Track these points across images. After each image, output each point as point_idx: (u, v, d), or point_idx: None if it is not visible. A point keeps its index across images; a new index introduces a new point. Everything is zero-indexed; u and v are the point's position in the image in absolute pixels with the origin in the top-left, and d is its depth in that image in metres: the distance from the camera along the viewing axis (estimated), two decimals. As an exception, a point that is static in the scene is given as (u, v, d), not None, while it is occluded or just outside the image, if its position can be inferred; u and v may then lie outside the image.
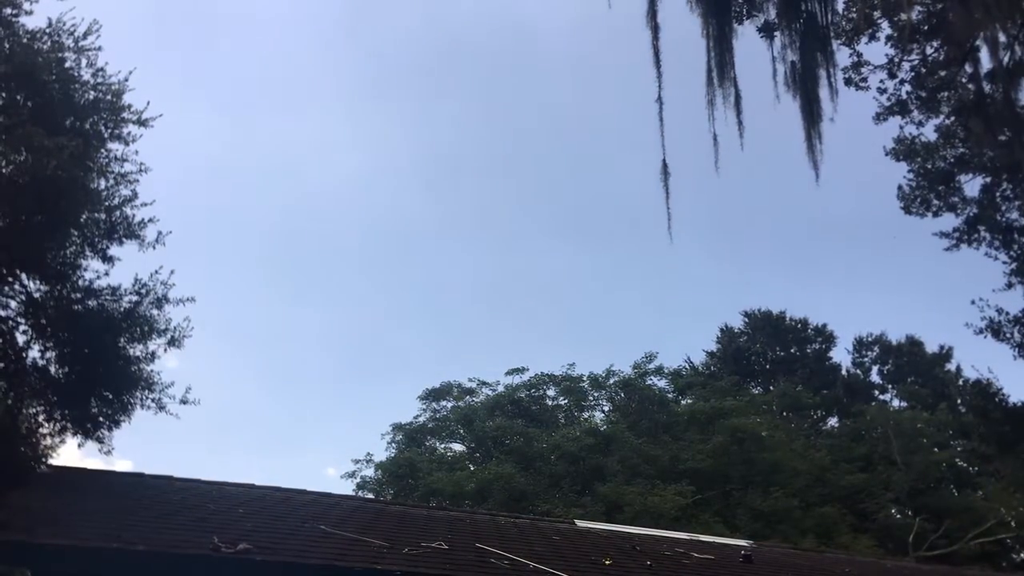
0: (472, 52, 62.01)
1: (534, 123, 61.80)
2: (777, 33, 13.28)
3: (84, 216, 10.49)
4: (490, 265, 60.25)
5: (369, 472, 30.41)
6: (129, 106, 10.88)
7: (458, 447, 32.05)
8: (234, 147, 56.52)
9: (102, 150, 10.70)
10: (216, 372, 44.57)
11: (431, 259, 61.99)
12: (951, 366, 41.88)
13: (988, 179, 19.31)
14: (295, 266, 59.10)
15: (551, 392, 32.40)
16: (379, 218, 61.68)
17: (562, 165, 61.58)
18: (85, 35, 10.59)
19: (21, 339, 10.53)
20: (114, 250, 10.84)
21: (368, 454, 30.79)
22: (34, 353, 10.49)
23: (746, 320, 45.01)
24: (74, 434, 10.55)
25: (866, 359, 44.89)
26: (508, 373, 31.92)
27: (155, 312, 10.87)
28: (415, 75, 60.38)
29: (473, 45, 61.10)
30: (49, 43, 10.35)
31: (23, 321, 10.51)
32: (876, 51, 17.78)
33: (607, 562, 10.05)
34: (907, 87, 17.94)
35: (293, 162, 58.12)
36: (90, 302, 10.60)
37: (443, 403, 32.14)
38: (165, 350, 10.97)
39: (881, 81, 18.02)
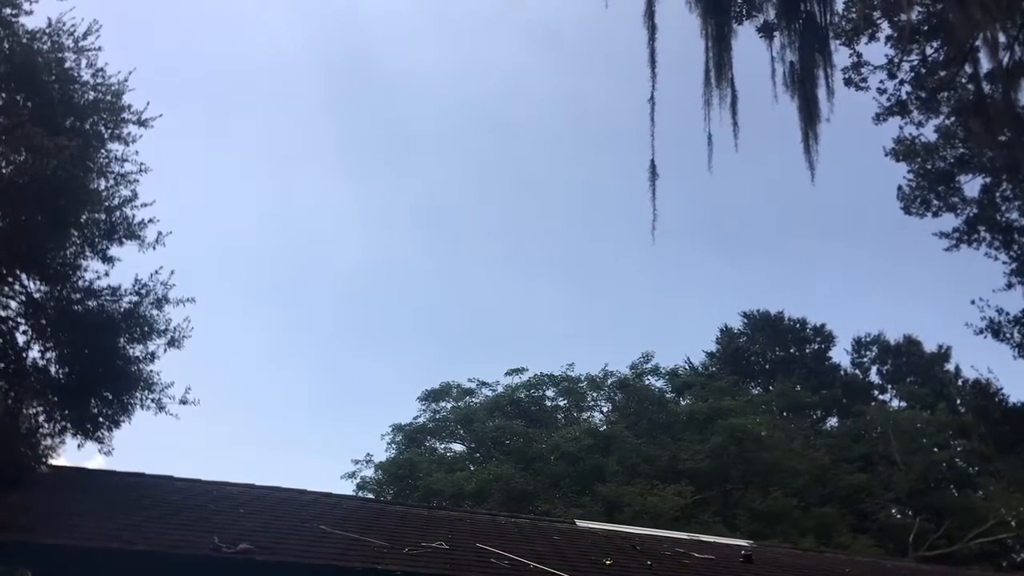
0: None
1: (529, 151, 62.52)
2: (776, 33, 13.30)
3: (84, 216, 10.49)
4: (490, 268, 60.28)
5: (369, 472, 30.44)
6: (129, 106, 10.91)
7: (458, 447, 32.07)
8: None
9: (102, 150, 10.70)
10: (217, 372, 44.48)
11: (431, 262, 62.02)
12: (950, 366, 41.90)
13: (988, 179, 19.29)
14: (296, 265, 59.02)
15: (550, 392, 32.42)
16: (381, 227, 61.76)
17: (557, 176, 61.78)
18: (85, 35, 10.60)
19: (21, 339, 10.54)
20: (114, 250, 10.87)
21: (368, 454, 30.85)
22: (34, 353, 10.52)
23: (745, 320, 45.03)
24: (74, 434, 10.56)
25: (865, 359, 44.91)
26: (507, 374, 31.97)
27: (155, 312, 10.89)
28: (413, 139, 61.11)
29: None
30: (49, 43, 10.36)
31: (23, 321, 10.51)
32: (876, 51, 17.79)
33: (607, 562, 10.05)
34: (907, 87, 17.94)
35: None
36: (90, 302, 10.60)
37: (443, 403, 32.13)
38: (165, 350, 10.99)
39: (881, 81, 18.03)
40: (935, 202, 20.15)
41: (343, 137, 61.02)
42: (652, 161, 12.42)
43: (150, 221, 10.94)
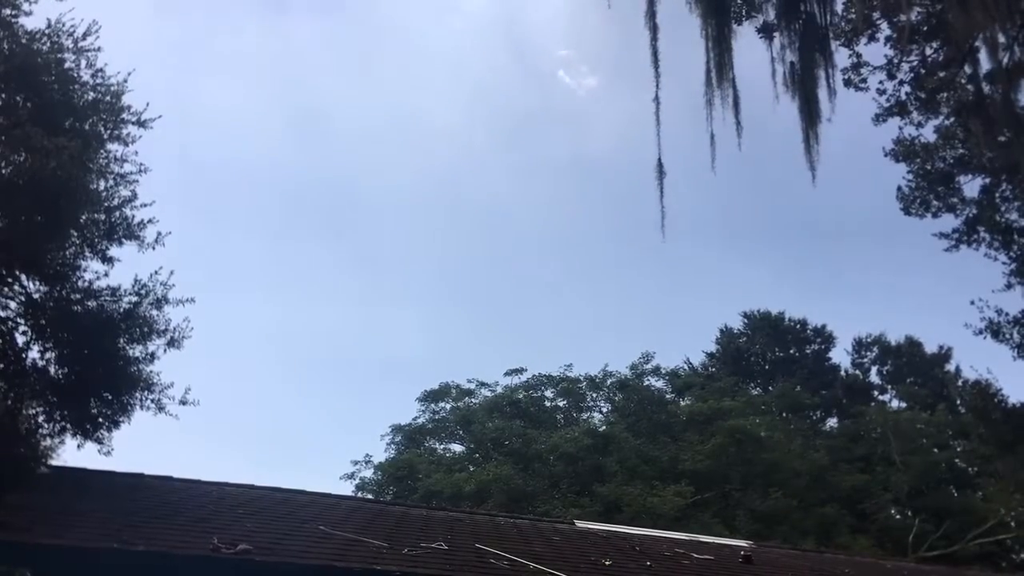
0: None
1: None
2: (776, 34, 13.30)
3: (84, 217, 10.48)
4: (491, 267, 60.27)
5: (368, 473, 30.49)
6: (128, 107, 10.88)
7: (457, 448, 32.11)
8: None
9: (102, 151, 10.69)
10: (219, 373, 44.42)
11: (431, 260, 62.03)
12: (950, 367, 41.90)
13: (987, 180, 19.27)
14: (294, 265, 58.99)
15: (549, 393, 32.45)
16: (377, 221, 61.73)
17: (558, 176, 61.88)
18: (84, 36, 10.58)
19: (21, 340, 10.52)
20: (114, 251, 10.82)
21: (367, 455, 30.88)
22: (34, 354, 10.48)
23: (745, 321, 45.04)
24: (73, 435, 10.55)
25: (865, 360, 44.92)
26: (507, 374, 32.02)
27: (155, 313, 10.87)
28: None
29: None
30: (48, 44, 10.35)
31: (23, 322, 10.50)
32: (875, 52, 17.77)
33: (607, 562, 10.05)
34: (906, 88, 17.92)
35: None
36: (90, 303, 10.58)
37: (442, 404, 32.16)
38: (164, 351, 10.98)
39: (880, 82, 18.00)
40: (935, 203, 20.14)
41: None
42: (659, 160, 12.42)
43: (149, 221, 10.95)
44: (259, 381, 55.92)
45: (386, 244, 59.14)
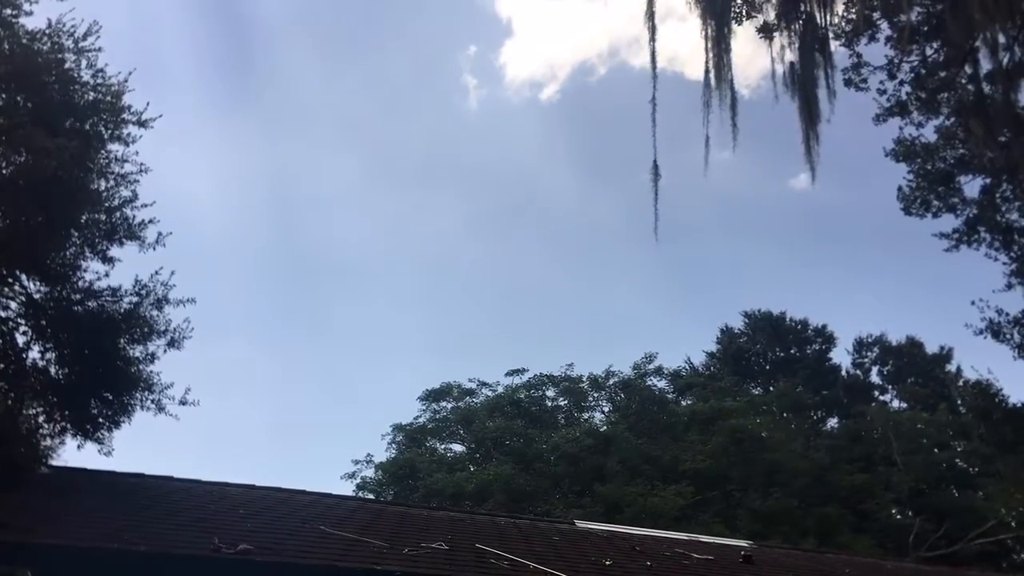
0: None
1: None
2: (776, 34, 13.33)
3: (84, 217, 10.51)
4: (491, 266, 60.24)
5: (369, 473, 30.48)
6: (129, 107, 10.91)
7: (458, 448, 32.10)
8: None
9: (102, 151, 10.71)
10: (217, 372, 44.34)
11: (430, 259, 62.01)
12: (951, 367, 41.85)
13: (988, 180, 19.24)
14: (295, 263, 58.97)
15: (551, 393, 32.43)
16: (379, 221, 61.66)
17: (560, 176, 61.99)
18: (85, 36, 10.60)
19: (21, 340, 10.56)
20: (114, 251, 10.87)
21: (368, 455, 30.88)
22: (34, 354, 10.53)
23: (746, 321, 44.97)
24: (74, 435, 10.58)
25: (866, 360, 44.88)
26: (508, 374, 31.96)
27: (155, 313, 10.90)
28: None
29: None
30: (49, 44, 10.37)
31: (23, 322, 10.53)
32: (876, 52, 17.78)
33: (607, 563, 10.05)
34: (907, 88, 17.92)
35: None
36: (90, 303, 10.61)
37: (443, 404, 32.15)
38: (165, 351, 11.01)
39: (881, 82, 18.00)
40: (935, 203, 20.12)
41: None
42: (655, 162, 12.44)
43: (150, 222, 10.98)
44: (260, 381, 55.90)
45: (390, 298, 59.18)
